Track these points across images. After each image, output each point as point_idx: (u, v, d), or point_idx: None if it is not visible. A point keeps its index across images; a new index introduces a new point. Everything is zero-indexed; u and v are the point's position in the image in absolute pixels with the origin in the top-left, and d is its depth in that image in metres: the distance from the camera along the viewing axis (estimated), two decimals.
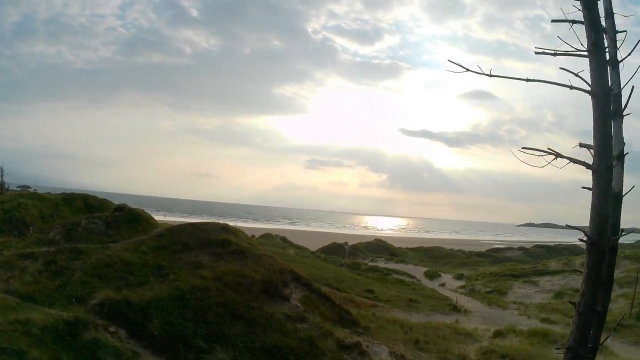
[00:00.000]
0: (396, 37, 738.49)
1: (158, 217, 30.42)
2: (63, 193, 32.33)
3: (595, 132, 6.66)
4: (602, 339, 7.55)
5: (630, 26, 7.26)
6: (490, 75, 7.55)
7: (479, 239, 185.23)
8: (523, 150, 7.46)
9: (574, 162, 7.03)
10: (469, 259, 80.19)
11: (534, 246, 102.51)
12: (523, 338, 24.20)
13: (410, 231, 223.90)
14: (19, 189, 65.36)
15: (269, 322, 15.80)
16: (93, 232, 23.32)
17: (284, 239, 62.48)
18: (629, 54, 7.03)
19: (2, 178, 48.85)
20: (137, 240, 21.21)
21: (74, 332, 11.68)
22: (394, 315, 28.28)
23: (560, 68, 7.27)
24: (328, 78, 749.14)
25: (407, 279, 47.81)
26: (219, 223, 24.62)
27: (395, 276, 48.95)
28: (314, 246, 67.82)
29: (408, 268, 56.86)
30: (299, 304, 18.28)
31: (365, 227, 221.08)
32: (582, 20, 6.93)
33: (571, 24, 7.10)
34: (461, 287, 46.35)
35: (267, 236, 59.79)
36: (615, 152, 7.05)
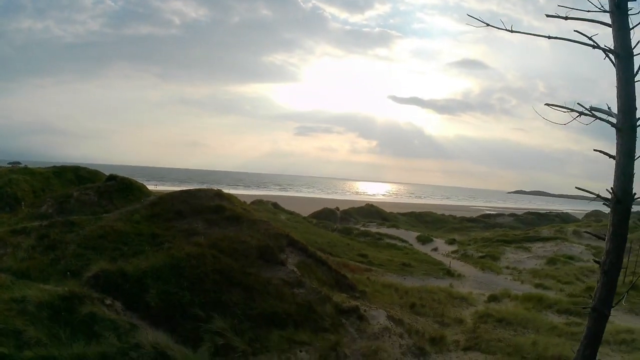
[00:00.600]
0: (387, 5, 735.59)
1: (149, 187, 30.14)
2: (54, 166, 31.94)
3: (620, 92, 6.56)
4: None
5: None
6: (512, 31, 7.54)
7: (469, 204, 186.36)
8: (547, 106, 7.39)
9: (598, 119, 6.95)
10: (460, 224, 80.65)
11: (526, 213, 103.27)
12: (518, 302, 24.28)
13: (401, 196, 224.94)
14: (10, 165, 64.83)
15: (266, 288, 15.73)
16: (86, 203, 23.10)
17: (275, 205, 62.43)
18: None
19: None
20: (130, 209, 20.97)
21: (70, 307, 11.46)
22: (388, 279, 28.34)
23: (575, 30, 7.22)
24: (317, 46, 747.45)
25: (399, 244, 47.90)
26: (212, 189, 24.41)
27: (388, 241, 49.07)
28: (305, 212, 67.86)
29: (400, 233, 57.04)
30: (295, 269, 18.16)
31: (356, 193, 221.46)
32: None
33: None
34: (454, 252, 46.44)
35: (259, 202, 59.66)
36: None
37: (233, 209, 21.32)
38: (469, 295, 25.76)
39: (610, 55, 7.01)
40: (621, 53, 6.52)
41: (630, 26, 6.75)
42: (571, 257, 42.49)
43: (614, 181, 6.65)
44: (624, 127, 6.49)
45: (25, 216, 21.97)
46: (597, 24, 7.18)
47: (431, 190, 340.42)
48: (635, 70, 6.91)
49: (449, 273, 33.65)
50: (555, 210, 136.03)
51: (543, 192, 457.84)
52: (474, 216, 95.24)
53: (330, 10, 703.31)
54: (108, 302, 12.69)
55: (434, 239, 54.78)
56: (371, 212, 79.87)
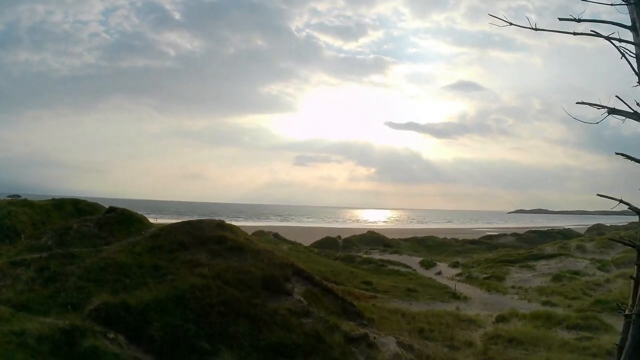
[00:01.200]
0: (380, 31, 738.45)
1: (150, 219, 30.12)
2: (53, 199, 31.94)
3: None
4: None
5: None
6: (536, 29, 7.60)
7: (471, 227, 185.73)
8: (579, 103, 7.60)
9: (630, 117, 7.10)
10: (463, 247, 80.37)
11: (527, 232, 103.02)
12: (527, 321, 24.20)
13: (402, 222, 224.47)
14: (9, 198, 64.56)
15: (273, 319, 15.60)
16: (85, 235, 22.96)
17: (276, 235, 62.45)
18: None
19: None
20: (131, 241, 20.85)
21: (72, 341, 11.32)
22: (394, 305, 28.28)
23: (592, 31, 7.43)
24: (313, 75, 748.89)
25: (403, 269, 47.79)
26: (214, 220, 24.34)
27: (391, 267, 48.97)
28: (307, 241, 67.70)
29: (403, 258, 56.90)
30: (302, 299, 18.03)
31: (357, 220, 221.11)
32: None
33: None
34: (458, 274, 46.25)
35: (260, 233, 59.68)
36: None
37: (236, 239, 21.25)
38: (476, 317, 25.68)
39: (628, 53, 7.31)
40: None
41: None
42: (576, 272, 42.47)
43: None
44: None
45: (25, 248, 21.80)
46: (609, 24, 7.45)
47: (432, 215, 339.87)
48: None
49: (455, 296, 33.55)
50: (557, 227, 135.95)
51: (543, 209, 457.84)
52: (476, 238, 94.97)
53: (324, 38, 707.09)
54: (111, 335, 12.52)
55: (438, 263, 54.59)
56: (373, 239, 79.65)
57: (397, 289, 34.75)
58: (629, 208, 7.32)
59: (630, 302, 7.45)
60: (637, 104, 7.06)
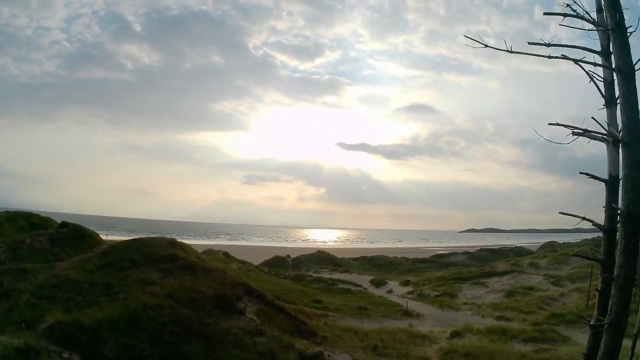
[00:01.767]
0: (337, 52, 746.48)
1: (101, 236, 29.79)
2: (7, 212, 31.37)
3: (623, 107, 7.01)
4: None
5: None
6: (511, 52, 7.94)
7: (421, 246, 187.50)
8: (551, 125, 8.01)
9: (596, 139, 7.59)
10: (413, 266, 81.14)
11: (479, 250, 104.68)
12: (482, 336, 24.66)
13: (352, 242, 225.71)
14: None
15: (226, 338, 15.67)
16: (38, 250, 22.56)
17: (226, 254, 62.07)
18: None
19: None
20: (83, 258, 20.56)
21: None
22: (346, 323, 28.41)
23: (562, 55, 7.87)
24: (267, 94, 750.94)
25: (353, 288, 47.98)
26: (165, 238, 24.24)
27: (341, 286, 49.14)
28: (256, 260, 67.65)
29: (353, 277, 57.25)
30: (254, 317, 18.10)
31: (306, 240, 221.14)
32: (572, 13, 7.74)
33: (563, 17, 7.80)
34: (409, 292, 46.81)
35: (210, 252, 59.19)
36: (610, 139, 7.59)
37: (187, 258, 21.17)
38: (430, 333, 26.04)
39: (596, 77, 7.89)
40: (624, 69, 6.99)
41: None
42: (530, 288, 43.42)
43: (623, 195, 7.02)
44: (630, 141, 6.89)
45: None
46: (579, 49, 7.96)
47: (382, 235, 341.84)
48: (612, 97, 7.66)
49: (407, 313, 33.92)
50: (509, 244, 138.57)
51: (495, 228, 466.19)
52: (427, 257, 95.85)
53: (281, 57, 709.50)
54: (65, 355, 12.37)
55: (388, 281, 55.05)
56: (322, 258, 79.92)
57: (348, 307, 34.90)
58: (592, 224, 7.80)
59: (595, 312, 7.87)
60: (605, 126, 7.60)
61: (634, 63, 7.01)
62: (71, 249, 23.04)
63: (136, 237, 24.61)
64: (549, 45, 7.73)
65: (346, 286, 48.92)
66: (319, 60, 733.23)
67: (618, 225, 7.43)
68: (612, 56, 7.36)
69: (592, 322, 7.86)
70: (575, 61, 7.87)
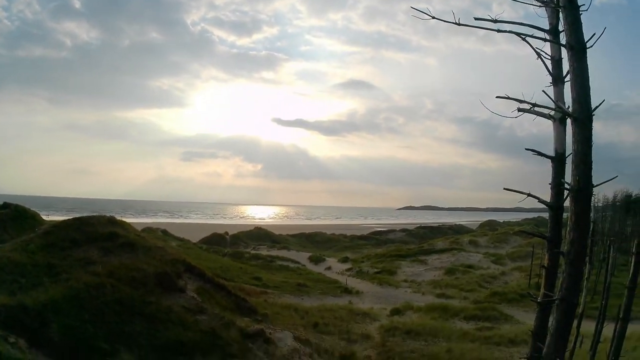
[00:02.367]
0: (274, 28, 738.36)
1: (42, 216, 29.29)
2: None
3: (574, 83, 7.14)
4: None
5: None
6: (459, 24, 7.97)
7: (359, 223, 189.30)
8: (498, 98, 8.18)
9: (543, 116, 7.85)
10: (351, 243, 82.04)
11: (417, 227, 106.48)
12: (422, 314, 25.28)
13: (290, 218, 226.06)
14: None
15: (168, 316, 15.69)
16: None
17: (165, 232, 61.39)
18: None
19: None
20: (25, 239, 20.16)
21: None
22: (286, 300, 28.66)
23: (510, 31, 8.09)
24: (204, 70, 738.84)
25: (292, 265, 48.20)
26: (105, 216, 23.91)
27: (280, 262, 49.26)
28: (195, 238, 67.11)
29: (291, 254, 57.39)
30: (195, 295, 18.13)
31: (244, 217, 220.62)
32: None
33: None
34: (348, 269, 47.35)
35: (148, 230, 58.36)
36: (557, 116, 7.86)
37: (127, 236, 21.00)
38: (370, 310, 26.53)
39: (544, 55, 8.24)
40: (576, 46, 7.12)
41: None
42: (470, 266, 44.55)
43: (573, 170, 7.13)
44: (581, 116, 7.02)
45: None
46: (527, 27, 8.22)
47: (320, 211, 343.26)
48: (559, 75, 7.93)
49: (347, 290, 34.37)
50: (448, 222, 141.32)
51: (433, 206, 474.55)
52: (365, 234, 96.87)
53: (218, 33, 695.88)
54: (12, 339, 12.18)
55: (327, 258, 55.45)
56: (260, 235, 79.96)
57: (287, 285, 35.15)
58: (538, 201, 8.06)
59: (542, 290, 8.20)
60: (553, 103, 7.85)
61: (584, 39, 7.21)
62: (13, 230, 22.72)
63: (77, 216, 24.27)
64: (495, 21, 7.92)
65: (285, 263, 49.10)
66: (257, 36, 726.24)
67: (565, 201, 7.75)
68: (562, 34, 7.55)
69: (539, 299, 8.15)
70: (524, 37, 8.13)
